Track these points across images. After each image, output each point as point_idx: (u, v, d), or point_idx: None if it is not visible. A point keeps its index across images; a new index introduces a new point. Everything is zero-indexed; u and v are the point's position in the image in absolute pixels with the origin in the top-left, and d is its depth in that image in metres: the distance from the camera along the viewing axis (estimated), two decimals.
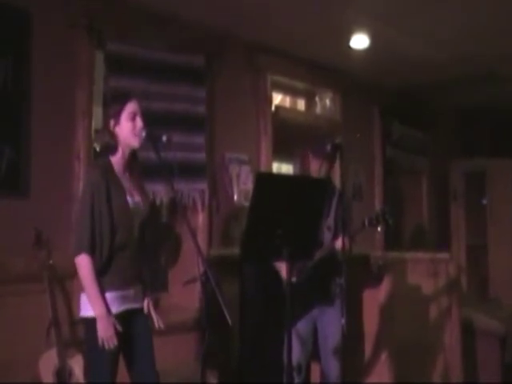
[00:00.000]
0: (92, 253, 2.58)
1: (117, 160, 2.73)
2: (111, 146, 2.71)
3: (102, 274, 2.61)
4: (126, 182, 2.74)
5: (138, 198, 2.75)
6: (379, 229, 3.45)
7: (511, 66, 5.41)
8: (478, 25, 4.49)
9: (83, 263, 2.58)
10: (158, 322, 2.82)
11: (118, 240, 2.64)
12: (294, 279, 3.18)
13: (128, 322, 2.70)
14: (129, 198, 2.69)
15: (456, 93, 6.42)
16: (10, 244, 3.36)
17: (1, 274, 3.27)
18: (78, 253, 2.58)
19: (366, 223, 3.33)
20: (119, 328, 2.60)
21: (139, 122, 2.71)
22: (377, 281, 4.00)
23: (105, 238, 2.60)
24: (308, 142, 3.73)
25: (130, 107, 2.71)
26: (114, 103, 2.80)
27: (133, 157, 2.78)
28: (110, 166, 2.71)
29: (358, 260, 3.63)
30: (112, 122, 2.70)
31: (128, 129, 2.69)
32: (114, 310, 2.62)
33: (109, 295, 2.62)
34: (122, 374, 2.74)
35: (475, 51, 5.03)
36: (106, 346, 2.57)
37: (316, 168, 3.50)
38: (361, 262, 3.82)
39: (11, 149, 3.41)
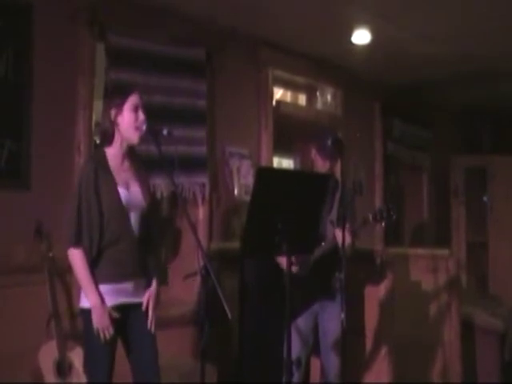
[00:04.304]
0: (83, 245, 2.58)
1: (114, 151, 2.71)
2: (108, 134, 2.70)
3: (94, 266, 2.61)
4: (124, 174, 2.71)
5: (135, 190, 2.72)
6: (383, 224, 3.45)
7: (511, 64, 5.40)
8: (480, 22, 4.47)
9: (74, 255, 2.59)
10: (150, 323, 2.73)
11: (110, 233, 2.62)
12: (295, 268, 3.19)
13: (126, 316, 2.68)
14: (123, 190, 2.66)
15: (457, 89, 6.40)
16: (10, 235, 3.35)
17: (1, 265, 3.26)
18: (69, 246, 2.60)
19: (370, 219, 3.32)
20: (115, 315, 2.60)
21: (141, 115, 2.70)
22: (379, 276, 3.99)
23: (95, 231, 2.59)
24: (311, 138, 3.72)
25: (133, 100, 2.70)
26: (116, 94, 2.79)
27: (131, 149, 2.77)
28: (103, 158, 2.69)
29: (360, 255, 3.63)
30: (114, 111, 2.69)
31: (130, 120, 2.68)
32: (108, 303, 2.61)
33: (102, 288, 2.61)
34: (122, 370, 2.75)
35: (476, 48, 5.02)
36: (102, 336, 2.57)
37: (323, 166, 3.50)
38: (363, 257, 3.82)
39: (12, 141, 3.40)
